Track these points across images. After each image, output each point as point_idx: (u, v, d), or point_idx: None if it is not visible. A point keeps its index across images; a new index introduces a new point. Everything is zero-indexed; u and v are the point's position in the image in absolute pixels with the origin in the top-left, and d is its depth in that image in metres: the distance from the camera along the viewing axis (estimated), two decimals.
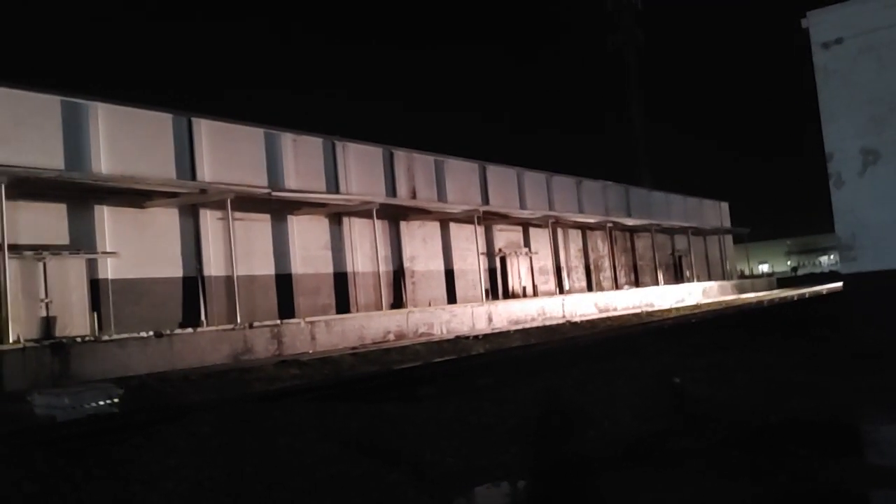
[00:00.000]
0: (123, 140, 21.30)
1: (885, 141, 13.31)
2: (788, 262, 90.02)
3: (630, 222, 42.06)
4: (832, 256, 75.69)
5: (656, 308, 35.76)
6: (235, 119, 25.02)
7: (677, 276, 48.16)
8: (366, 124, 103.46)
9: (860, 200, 13.59)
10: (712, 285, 47.04)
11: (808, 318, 18.30)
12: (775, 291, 48.63)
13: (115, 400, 12.11)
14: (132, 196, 20.63)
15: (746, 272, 63.36)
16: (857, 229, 13.61)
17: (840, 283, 15.08)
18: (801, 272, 79.24)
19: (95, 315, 19.45)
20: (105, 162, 20.76)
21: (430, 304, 28.77)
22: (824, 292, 35.17)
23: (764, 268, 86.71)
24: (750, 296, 43.59)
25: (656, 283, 43.76)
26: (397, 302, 28.60)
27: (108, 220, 20.60)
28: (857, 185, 13.61)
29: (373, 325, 23.24)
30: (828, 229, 15.08)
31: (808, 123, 15.43)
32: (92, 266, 20.15)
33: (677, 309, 33.51)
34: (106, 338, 17.29)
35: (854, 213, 13.65)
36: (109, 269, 20.45)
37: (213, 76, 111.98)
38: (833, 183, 13.89)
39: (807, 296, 35.17)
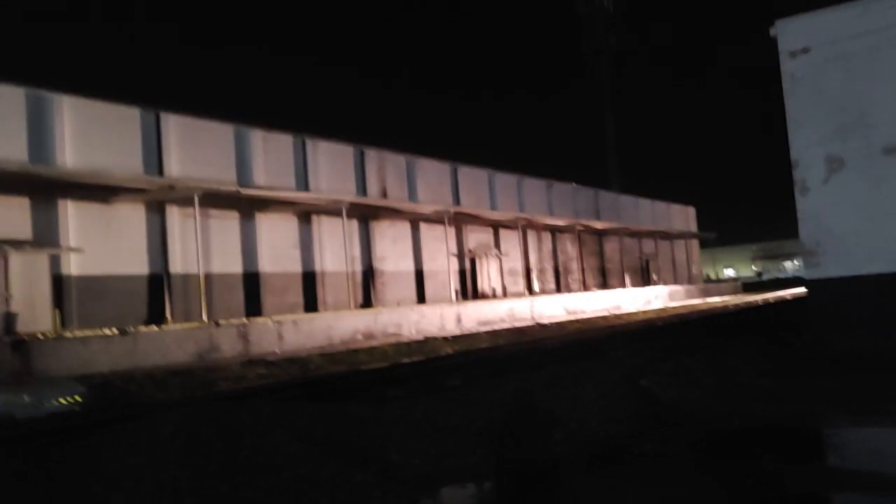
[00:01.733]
0: (90, 134, 20.97)
1: (850, 149, 13.56)
2: (753, 267, 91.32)
3: (599, 225, 42.37)
4: (797, 262, 76.94)
5: (624, 311, 36.04)
6: (205, 115, 24.75)
7: (645, 279, 48.64)
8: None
9: (824, 207, 13.83)
10: (679, 289, 47.55)
11: (774, 323, 18.55)
12: (741, 296, 49.30)
13: (77, 398, 11.92)
14: (98, 191, 20.32)
15: (713, 276, 64.21)
16: (821, 236, 13.85)
17: (804, 289, 15.31)
18: (766, 277, 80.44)
19: (58, 311, 19.12)
20: (70, 156, 20.41)
21: (399, 305, 28.71)
22: (789, 297, 35.71)
23: (730, 272, 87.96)
24: (716, 300, 44.16)
25: (624, 286, 44.12)
26: (366, 302, 28.51)
27: (73, 216, 20.27)
28: (822, 192, 13.85)
29: (341, 325, 23.11)
30: (793, 235, 15.32)
31: (776, 130, 15.64)
32: (55, 262, 19.80)
33: (644, 312, 33.80)
34: (69, 335, 16.98)
35: (818, 220, 13.88)
36: (73, 266, 20.11)
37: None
38: (798, 190, 14.12)
39: (772, 300, 35.69)
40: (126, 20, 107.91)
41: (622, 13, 74.74)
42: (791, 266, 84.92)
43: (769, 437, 7.35)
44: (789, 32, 14.22)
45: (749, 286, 62.02)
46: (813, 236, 13.97)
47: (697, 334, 17.39)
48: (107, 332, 17.32)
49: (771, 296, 42.17)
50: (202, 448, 5.96)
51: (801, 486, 5.84)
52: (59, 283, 19.80)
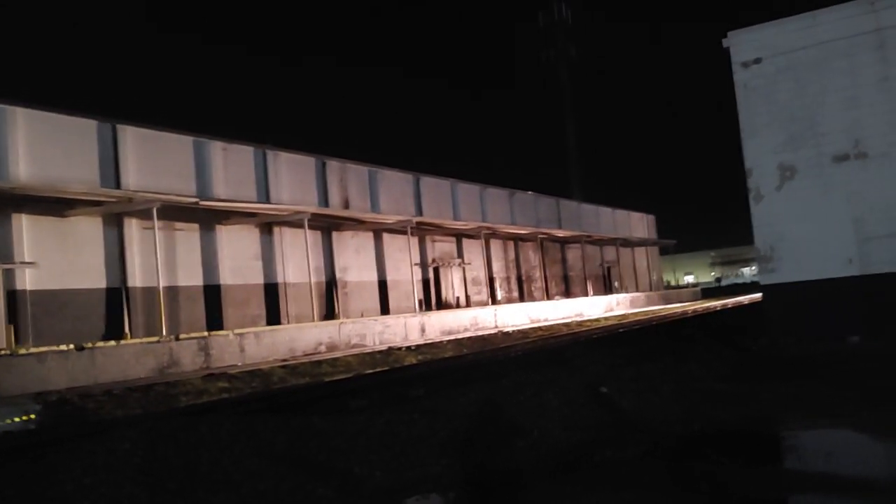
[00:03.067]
0: (44, 146, 20.60)
1: (802, 157, 13.89)
2: (712, 273, 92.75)
3: (561, 234, 42.73)
4: (754, 267, 78.23)
5: (586, 318, 36.35)
6: (163, 126, 24.47)
7: (606, 286, 49.12)
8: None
9: (778, 214, 14.14)
10: (640, 296, 48.12)
11: (731, 328, 18.85)
12: (700, 301, 50.03)
13: (32, 416, 11.66)
14: (53, 204, 19.95)
15: (672, 283, 65.07)
16: (775, 242, 14.15)
17: (761, 294, 15.61)
18: (724, 283, 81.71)
19: (12, 327, 18.69)
20: (24, 169, 20.02)
21: (362, 315, 28.62)
22: (746, 302, 36.34)
23: (689, 279, 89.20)
24: (676, 306, 44.73)
25: (586, 293, 44.52)
26: (329, 313, 28.37)
27: (27, 229, 19.86)
28: (775, 199, 14.16)
29: (304, 336, 22.96)
30: (750, 241, 15.65)
31: (731, 138, 15.98)
32: (9, 277, 19.38)
33: (606, 319, 34.12)
34: (23, 351, 16.61)
35: (772, 227, 14.19)
36: (28, 280, 19.70)
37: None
38: (752, 197, 14.42)
39: (729, 306, 36.28)
40: (87, 30, 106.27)
41: (582, 23, 75.67)
42: (749, 271, 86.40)
43: (727, 442, 7.47)
44: (741, 44, 14.55)
45: (708, 292, 62.96)
46: (767, 242, 14.28)
47: (658, 340, 17.60)
48: (63, 347, 16.99)
49: (729, 301, 42.87)
50: (160, 465, 5.89)
51: (759, 489, 5.95)
52: (14, 299, 19.37)
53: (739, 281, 79.84)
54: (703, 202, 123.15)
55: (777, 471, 6.68)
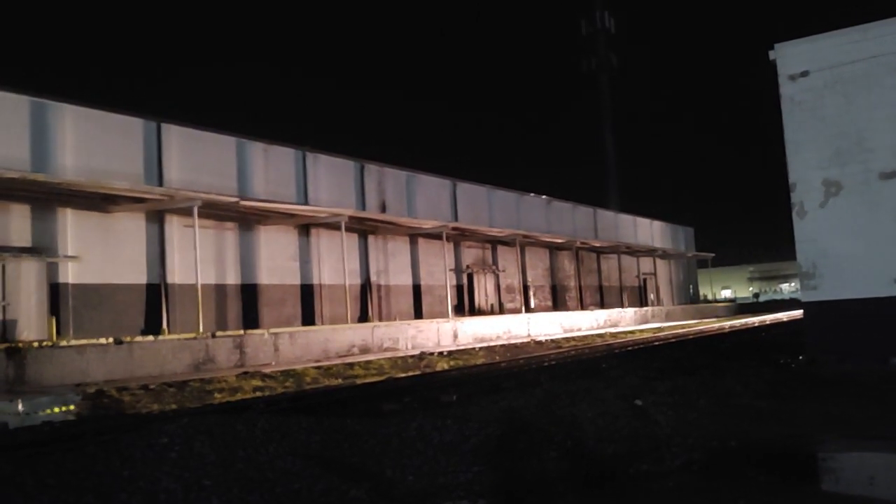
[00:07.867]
0: (91, 143, 21.03)
1: (848, 173, 13.62)
2: (750, 288, 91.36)
3: (597, 243, 42.43)
4: (793, 284, 76.92)
5: (620, 329, 36.02)
6: (206, 126, 24.83)
7: (642, 298, 48.66)
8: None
9: (821, 230, 13.87)
10: (676, 309, 47.58)
11: (769, 345, 18.54)
12: (737, 317, 49.30)
13: (72, 407, 11.89)
14: (97, 200, 20.34)
15: (709, 297, 64.21)
16: (818, 258, 13.88)
17: (801, 311, 15.33)
18: (762, 298, 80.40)
19: (54, 320, 19.09)
20: (71, 164, 20.46)
21: (396, 319, 28.70)
22: (785, 319, 35.73)
23: (727, 293, 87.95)
24: (712, 321, 44.14)
25: (621, 304, 44.13)
26: (363, 316, 28.49)
27: (72, 224, 20.29)
28: (819, 215, 13.90)
29: (338, 338, 23.09)
30: (790, 257, 15.37)
31: (774, 152, 15.74)
32: (52, 270, 19.80)
33: (641, 331, 33.77)
34: (64, 343, 16.94)
35: (815, 243, 13.92)
36: (70, 274, 20.10)
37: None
38: (795, 212, 14.17)
39: (768, 322, 35.70)
40: (136, 30, 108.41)
41: (624, 33, 75.23)
42: (787, 288, 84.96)
43: (764, 459, 7.34)
44: (788, 56, 14.32)
45: (746, 307, 62.00)
46: (810, 259, 14.01)
47: (694, 355, 17.39)
48: (102, 341, 17.30)
49: (767, 317, 42.18)
50: (196, 460, 5.95)
51: None
52: (56, 291, 19.78)
53: (778, 297, 78.50)
54: (742, 216, 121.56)
55: (816, 492, 6.55)
